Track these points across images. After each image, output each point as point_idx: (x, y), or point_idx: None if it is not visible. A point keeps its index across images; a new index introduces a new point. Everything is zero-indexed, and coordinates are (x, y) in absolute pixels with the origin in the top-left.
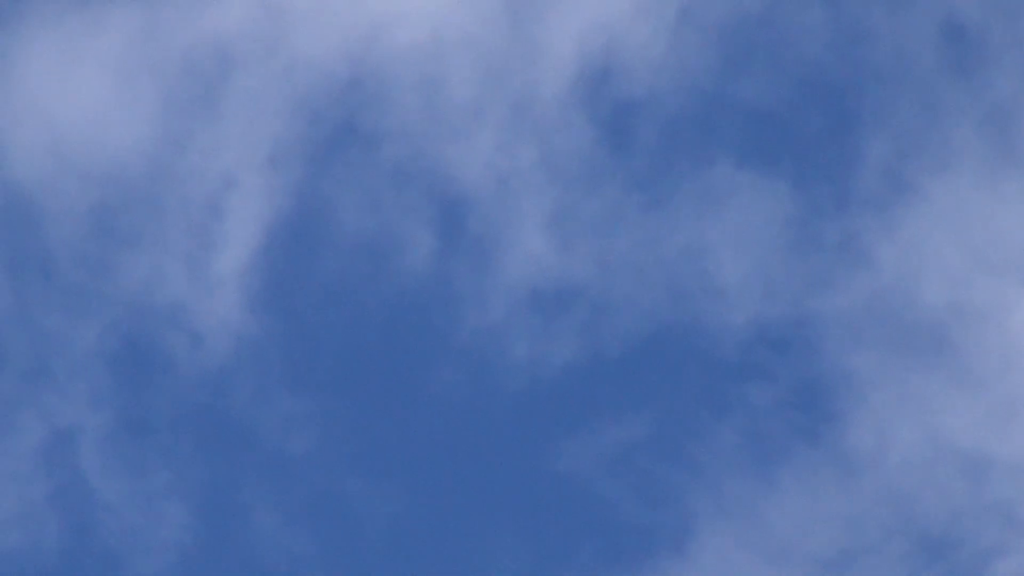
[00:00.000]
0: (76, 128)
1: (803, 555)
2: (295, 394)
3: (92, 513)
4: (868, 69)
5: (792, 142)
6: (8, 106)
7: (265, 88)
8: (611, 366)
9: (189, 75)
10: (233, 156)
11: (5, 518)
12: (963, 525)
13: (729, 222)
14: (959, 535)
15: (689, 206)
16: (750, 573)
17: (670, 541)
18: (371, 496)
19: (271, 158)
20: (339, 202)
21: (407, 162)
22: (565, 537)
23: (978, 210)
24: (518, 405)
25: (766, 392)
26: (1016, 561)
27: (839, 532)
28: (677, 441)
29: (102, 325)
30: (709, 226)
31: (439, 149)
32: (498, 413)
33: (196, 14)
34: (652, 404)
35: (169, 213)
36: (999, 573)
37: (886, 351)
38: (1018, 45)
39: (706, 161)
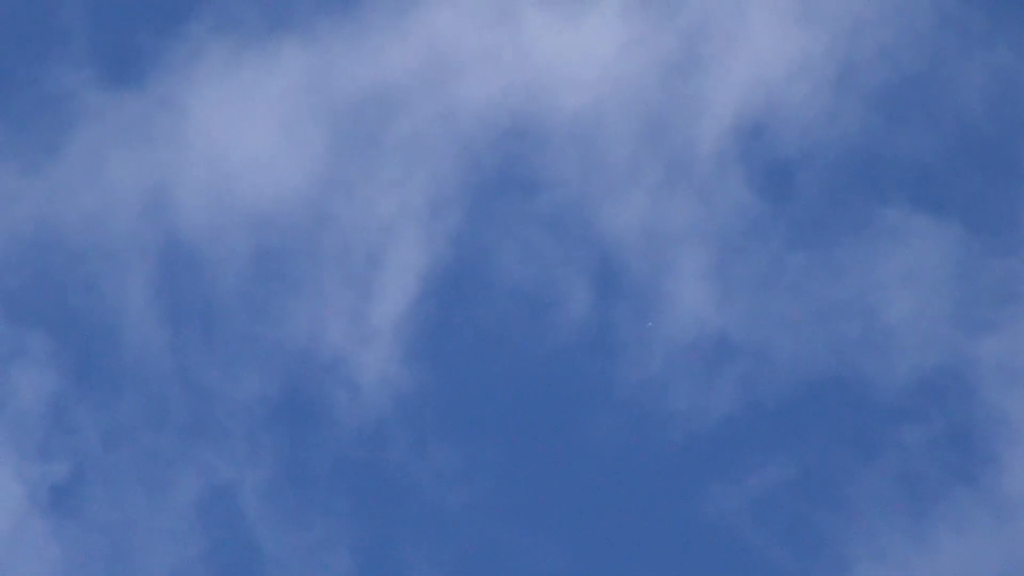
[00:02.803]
0: (242, 173)
1: None
2: (453, 446)
3: (252, 566)
4: None
5: (954, 194)
6: (178, 153)
7: (426, 134)
8: (769, 417)
9: (353, 121)
10: (393, 203)
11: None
12: None
13: (896, 267)
14: None
15: (851, 258)
16: None
17: None
18: (529, 548)
19: (430, 205)
20: (497, 251)
21: (565, 213)
22: None
23: None
24: (677, 456)
25: (921, 434)
26: None
27: (996, 575)
28: (831, 484)
29: (261, 376)
30: (873, 274)
31: (597, 201)
32: (658, 464)
33: (363, 60)
34: (806, 448)
35: (329, 261)
36: None
37: None
38: None
39: (877, 204)
